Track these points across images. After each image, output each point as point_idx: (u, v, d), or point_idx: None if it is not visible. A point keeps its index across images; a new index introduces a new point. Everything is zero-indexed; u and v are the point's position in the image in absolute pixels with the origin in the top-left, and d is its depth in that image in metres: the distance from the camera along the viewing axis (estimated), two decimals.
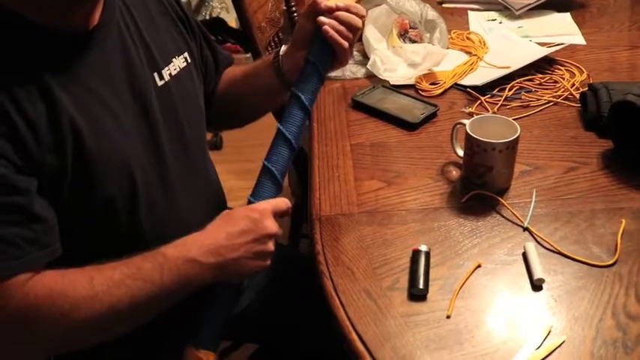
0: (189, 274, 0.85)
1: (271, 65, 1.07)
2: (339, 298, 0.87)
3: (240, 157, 2.48)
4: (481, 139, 1.03)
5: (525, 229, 0.98)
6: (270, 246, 0.90)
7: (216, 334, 0.93)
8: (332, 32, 0.96)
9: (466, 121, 1.07)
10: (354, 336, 0.82)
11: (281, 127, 0.95)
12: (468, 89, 1.37)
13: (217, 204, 1.11)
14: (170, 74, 0.97)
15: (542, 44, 1.56)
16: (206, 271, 0.86)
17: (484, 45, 1.56)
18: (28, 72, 0.78)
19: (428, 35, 1.52)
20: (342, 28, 0.97)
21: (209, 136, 2.54)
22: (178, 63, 0.99)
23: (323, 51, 0.98)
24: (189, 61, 1.02)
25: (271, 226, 0.90)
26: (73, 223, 0.85)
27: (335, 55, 1.00)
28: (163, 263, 0.83)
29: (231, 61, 1.21)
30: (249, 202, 0.95)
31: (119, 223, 0.90)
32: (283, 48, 1.07)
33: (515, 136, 1.03)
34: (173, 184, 0.97)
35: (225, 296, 0.94)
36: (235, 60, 1.22)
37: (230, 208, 1.28)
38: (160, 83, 0.94)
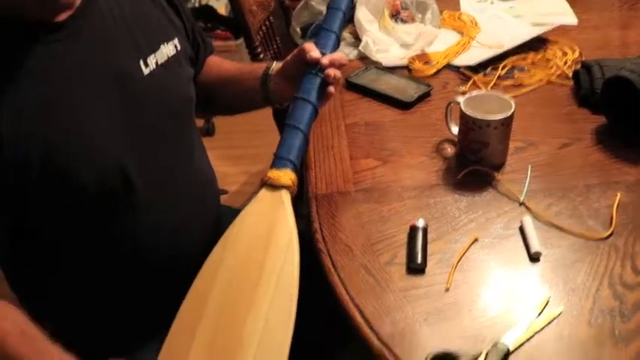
0: None
1: (259, 80, 1.08)
2: (338, 274, 0.87)
3: (232, 143, 2.47)
4: (476, 116, 1.03)
5: (521, 203, 0.99)
6: None
7: (293, 155, 0.89)
8: (332, 74, 0.95)
9: (460, 99, 1.07)
10: (354, 311, 0.82)
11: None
12: (461, 69, 1.37)
13: (208, 192, 1.10)
14: (157, 62, 0.95)
15: (533, 24, 1.57)
16: None
17: (476, 25, 1.56)
18: None
19: (420, 16, 1.52)
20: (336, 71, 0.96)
21: (201, 122, 2.54)
22: (167, 50, 0.98)
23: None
24: (178, 48, 1.01)
25: None
26: (65, 229, 0.86)
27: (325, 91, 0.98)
28: None
29: (212, 49, 1.20)
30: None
31: (115, 218, 0.90)
32: (274, 65, 1.07)
33: (510, 113, 1.03)
34: (162, 174, 0.96)
35: (301, 113, 0.91)
36: (225, 47, 1.22)
37: (223, 191, 1.27)
38: (145, 72, 0.93)
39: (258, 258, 0.82)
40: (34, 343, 0.81)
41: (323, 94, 0.95)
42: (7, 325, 0.80)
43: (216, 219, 1.12)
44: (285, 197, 0.86)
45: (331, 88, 0.95)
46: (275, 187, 0.87)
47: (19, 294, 0.99)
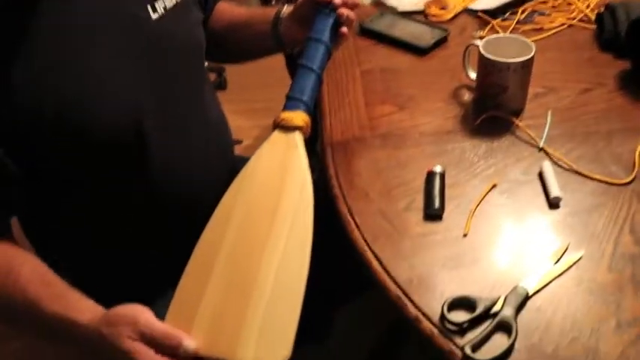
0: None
1: (270, 23, 1.06)
2: (354, 220, 0.86)
3: (245, 97, 2.45)
4: (495, 58, 1.00)
5: (541, 149, 0.96)
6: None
7: (307, 96, 0.88)
8: (345, 14, 0.93)
9: (479, 42, 1.04)
10: (371, 256, 0.81)
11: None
12: (479, 14, 1.33)
13: (220, 138, 1.09)
14: (165, 7, 0.93)
15: None
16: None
17: None
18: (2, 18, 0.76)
19: None
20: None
21: (213, 76, 2.51)
22: None
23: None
24: None
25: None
26: (78, 172, 0.86)
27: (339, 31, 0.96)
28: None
29: None
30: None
31: (128, 163, 0.89)
32: (285, 9, 1.05)
33: (530, 55, 1.00)
34: (174, 119, 0.94)
35: (313, 53, 0.90)
36: None
37: (238, 141, 1.25)
38: (154, 17, 0.90)
39: (272, 199, 0.80)
40: (53, 289, 0.81)
41: (336, 35, 0.93)
42: (27, 272, 0.81)
43: (229, 167, 1.11)
44: (299, 139, 0.85)
45: (344, 29, 0.93)
46: (288, 128, 0.85)
47: (34, 244, 0.99)
